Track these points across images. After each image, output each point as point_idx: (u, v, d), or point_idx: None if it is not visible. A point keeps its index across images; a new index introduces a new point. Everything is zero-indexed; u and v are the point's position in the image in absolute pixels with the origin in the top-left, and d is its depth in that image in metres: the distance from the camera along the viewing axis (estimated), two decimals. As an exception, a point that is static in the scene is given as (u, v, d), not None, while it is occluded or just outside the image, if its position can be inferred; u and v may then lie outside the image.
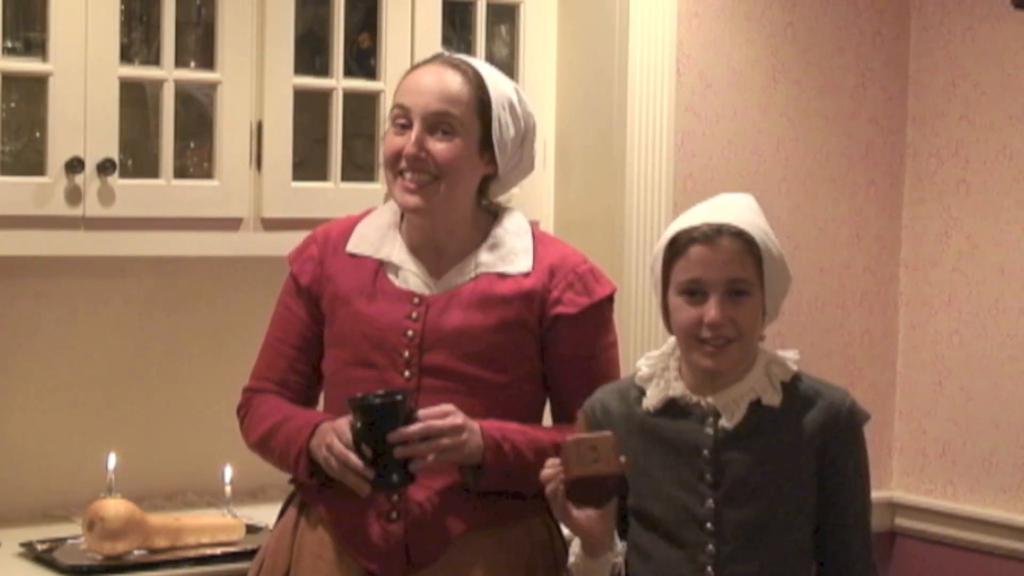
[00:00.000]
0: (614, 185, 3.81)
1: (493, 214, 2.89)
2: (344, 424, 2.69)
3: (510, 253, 2.83)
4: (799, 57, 4.14)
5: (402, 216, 2.87)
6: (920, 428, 4.32)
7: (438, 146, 2.77)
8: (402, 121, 2.79)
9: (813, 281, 4.17)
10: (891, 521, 4.32)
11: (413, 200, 2.78)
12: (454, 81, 2.80)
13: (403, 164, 2.77)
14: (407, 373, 2.77)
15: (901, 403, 4.36)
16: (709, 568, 2.61)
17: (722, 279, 2.58)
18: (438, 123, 2.78)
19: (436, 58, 2.89)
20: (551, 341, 2.82)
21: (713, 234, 2.58)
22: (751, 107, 4.06)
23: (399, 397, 2.66)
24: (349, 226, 2.90)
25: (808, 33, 4.15)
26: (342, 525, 2.78)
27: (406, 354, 2.78)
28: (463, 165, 2.79)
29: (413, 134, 2.77)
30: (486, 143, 2.81)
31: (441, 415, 2.69)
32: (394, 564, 2.75)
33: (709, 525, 2.61)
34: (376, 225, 2.88)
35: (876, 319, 4.33)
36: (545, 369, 2.85)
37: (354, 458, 2.65)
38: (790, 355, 2.67)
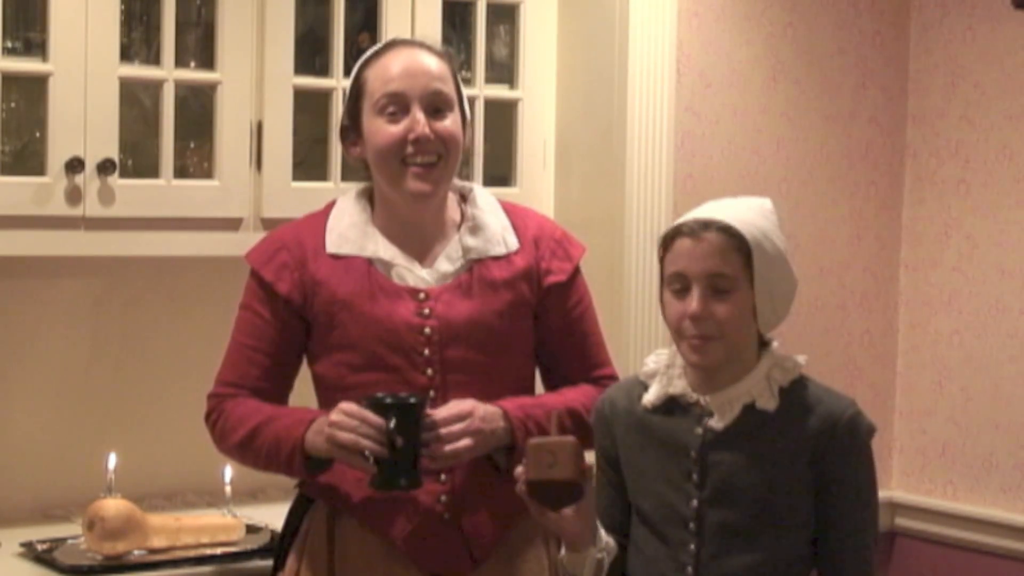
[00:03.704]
0: (614, 185, 3.81)
1: (460, 193, 2.91)
2: (355, 406, 2.65)
3: (494, 234, 2.85)
4: (799, 57, 4.14)
5: (372, 209, 2.85)
6: (920, 428, 4.31)
7: (439, 124, 2.78)
8: (393, 109, 2.78)
9: (813, 281, 4.17)
10: (891, 521, 4.32)
11: (425, 187, 2.77)
12: (433, 60, 2.82)
13: (410, 150, 2.76)
14: (429, 371, 2.77)
15: (901, 403, 4.36)
16: (689, 568, 2.61)
17: (703, 272, 2.55)
18: (434, 102, 2.78)
19: (398, 43, 2.87)
20: (544, 310, 2.86)
21: (699, 228, 2.57)
22: (751, 107, 4.06)
23: (414, 400, 2.65)
24: (318, 227, 2.86)
25: (808, 33, 4.14)
26: (394, 531, 2.75)
27: (426, 352, 2.77)
28: (460, 139, 2.82)
29: (419, 116, 2.76)
30: (463, 114, 2.85)
31: (459, 418, 2.68)
32: (460, 562, 2.76)
33: (692, 525, 2.61)
34: (350, 223, 2.84)
35: (876, 319, 4.33)
36: (538, 338, 2.87)
37: (368, 443, 2.62)
38: (798, 360, 2.65)
